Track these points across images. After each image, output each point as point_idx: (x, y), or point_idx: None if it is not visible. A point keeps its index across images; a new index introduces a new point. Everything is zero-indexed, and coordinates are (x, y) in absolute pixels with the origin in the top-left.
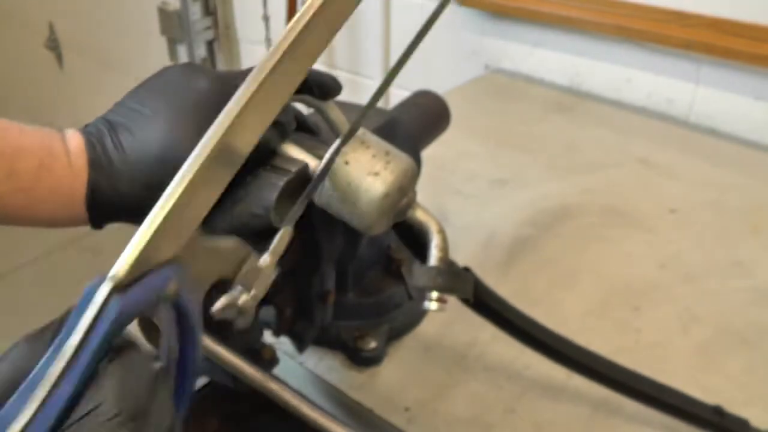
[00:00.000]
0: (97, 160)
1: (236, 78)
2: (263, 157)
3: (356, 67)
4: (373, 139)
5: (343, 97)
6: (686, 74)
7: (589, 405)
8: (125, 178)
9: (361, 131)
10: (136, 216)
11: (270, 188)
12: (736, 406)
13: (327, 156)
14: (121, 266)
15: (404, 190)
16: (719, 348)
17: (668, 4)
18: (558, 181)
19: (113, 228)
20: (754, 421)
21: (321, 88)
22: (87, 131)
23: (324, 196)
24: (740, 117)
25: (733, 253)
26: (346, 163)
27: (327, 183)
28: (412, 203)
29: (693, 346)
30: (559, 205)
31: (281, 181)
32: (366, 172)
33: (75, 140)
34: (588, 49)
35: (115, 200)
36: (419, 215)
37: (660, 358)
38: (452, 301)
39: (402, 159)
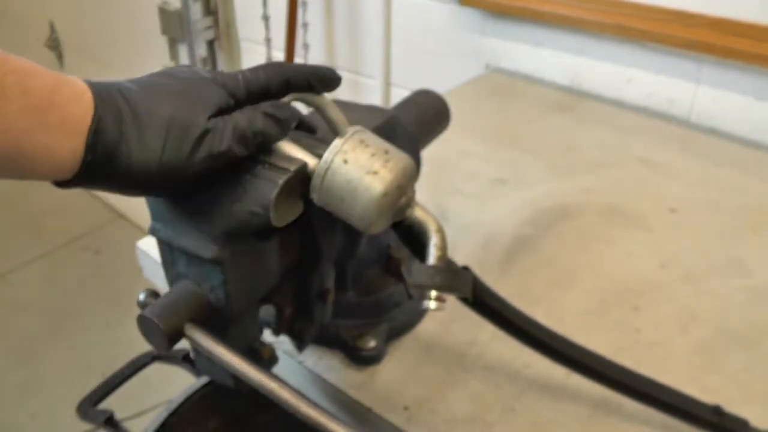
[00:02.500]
0: (102, 96)
1: (237, 74)
2: (263, 152)
3: (357, 66)
4: (372, 137)
5: (344, 96)
6: (687, 74)
7: (588, 404)
8: (131, 122)
9: (360, 130)
10: (126, 180)
11: (269, 187)
12: (735, 405)
13: (327, 154)
14: None
15: (403, 189)
16: (719, 347)
17: (669, 4)
18: (558, 180)
19: (113, 228)
20: (754, 420)
21: (321, 80)
22: (89, 81)
23: (323, 194)
24: (741, 117)
25: (732, 253)
26: (345, 161)
27: (326, 182)
28: (410, 202)
29: (692, 345)
30: (559, 204)
31: (281, 180)
32: (365, 171)
33: (80, 81)
34: (588, 48)
35: (116, 144)
36: (418, 214)
37: (660, 357)
38: (451, 300)
39: (401, 158)
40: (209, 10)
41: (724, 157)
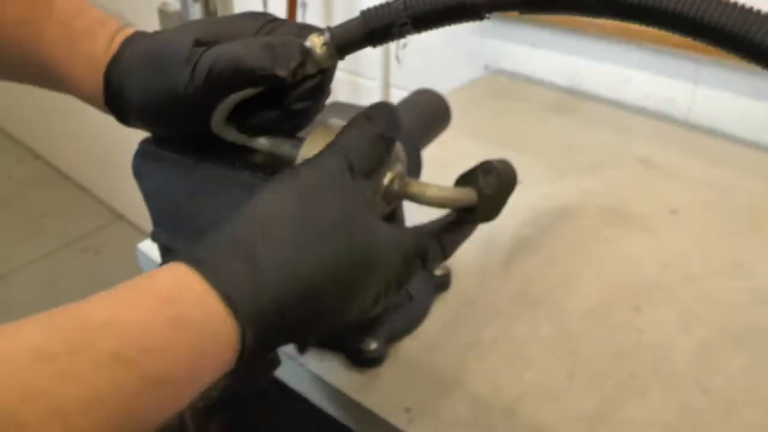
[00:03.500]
0: (117, 57)
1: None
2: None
3: (356, 68)
4: (338, 128)
5: (343, 98)
6: (685, 74)
7: (590, 406)
8: (133, 81)
9: (325, 125)
10: (144, 123)
11: None
12: (737, 407)
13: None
14: None
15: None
16: (720, 349)
17: None
18: (558, 181)
19: (114, 229)
20: (758, 422)
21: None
22: (140, 31)
23: None
24: (740, 117)
25: (734, 254)
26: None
27: None
28: (400, 181)
29: (694, 346)
30: (560, 205)
31: None
32: None
33: (125, 33)
34: (587, 49)
35: (123, 98)
36: (414, 190)
37: (661, 358)
38: (454, 302)
39: None
40: (209, 11)
41: (724, 158)
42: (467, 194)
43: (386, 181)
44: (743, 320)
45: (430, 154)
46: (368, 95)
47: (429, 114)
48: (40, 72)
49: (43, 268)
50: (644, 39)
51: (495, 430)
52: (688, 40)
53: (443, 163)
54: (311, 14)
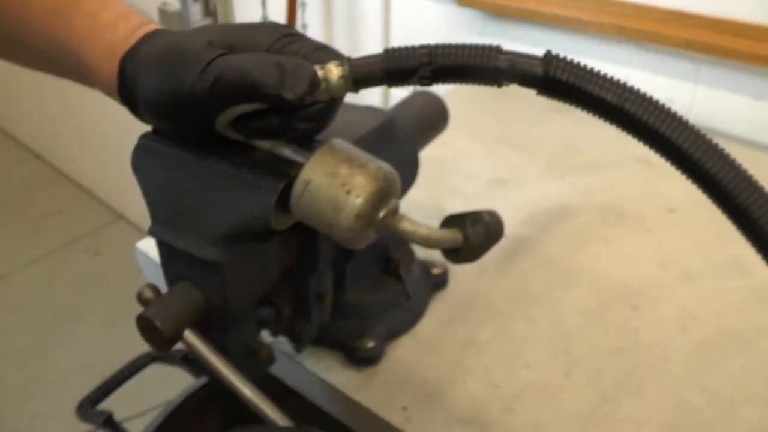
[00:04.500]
0: (134, 48)
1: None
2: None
3: None
4: (343, 153)
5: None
6: (685, 74)
7: (587, 404)
8: (145, 74)
9: (331, 147)
10: (151, 116)
11: (269, 191)
12: (735, 405)
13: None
14: None
15: (377, 208)
16: (718, 347)
17: (667, 4)
18: (557, 180)
19: (113, 229)
20: (755, 421)
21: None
22: (162, 29)
23: (298, 210)
24: (740, 117)
25: (731, 253)
26: (316, 186)
27: (300, 205)
28: (394, 216)
29: (692, 345)
30: (559, 204)
31: (280, 184)
32: (332, 194)
33: (147, 28)
34: (587, 49)
35: (135, 90)
36: (405, 227)
37: (659, 357)
38: (451, 301)
39: (371, 176)
40: (209, 11)
41: None
42: (453, 238)
43: (381, 215)
44: (741, 319)
45: (429, 154)
46: (368, 95)
47: (427, 116)
48: (67, 62)
49: (43, 268)
50: (644, 39)
51: (492, 428)
52: (688, 40)
53: (442, 162)
54: (311, 14)
